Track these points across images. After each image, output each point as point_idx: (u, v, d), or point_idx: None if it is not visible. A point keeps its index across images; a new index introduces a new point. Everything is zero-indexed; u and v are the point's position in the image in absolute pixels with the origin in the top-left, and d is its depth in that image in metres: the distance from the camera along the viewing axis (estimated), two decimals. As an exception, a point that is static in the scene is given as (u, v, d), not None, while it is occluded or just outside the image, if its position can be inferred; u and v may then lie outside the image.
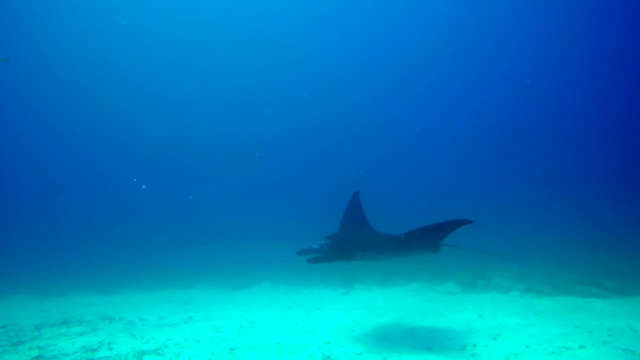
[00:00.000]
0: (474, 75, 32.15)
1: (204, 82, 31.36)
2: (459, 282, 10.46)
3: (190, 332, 6.23)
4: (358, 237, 5.36)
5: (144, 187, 30.81)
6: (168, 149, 31.40)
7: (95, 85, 28.73)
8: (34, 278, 13.34)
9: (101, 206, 27.64)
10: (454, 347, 5.00)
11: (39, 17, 24.84)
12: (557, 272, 10.27)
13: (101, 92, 29.07)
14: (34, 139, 30.69)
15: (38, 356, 4.98)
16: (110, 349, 5.32)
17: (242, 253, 15.08)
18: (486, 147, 32.86)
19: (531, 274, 10.63)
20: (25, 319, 7.96)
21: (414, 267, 11.65)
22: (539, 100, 31.33)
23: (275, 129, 32.51)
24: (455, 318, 6.79)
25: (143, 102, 31.18)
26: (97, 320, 7.57)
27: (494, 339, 5.33)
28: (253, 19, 28.88)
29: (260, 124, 32.63)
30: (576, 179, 25.72)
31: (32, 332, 6.61)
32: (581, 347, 4.76)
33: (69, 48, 26.79)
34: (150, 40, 28.44)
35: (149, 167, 31.76)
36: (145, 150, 31.21)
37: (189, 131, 31.87)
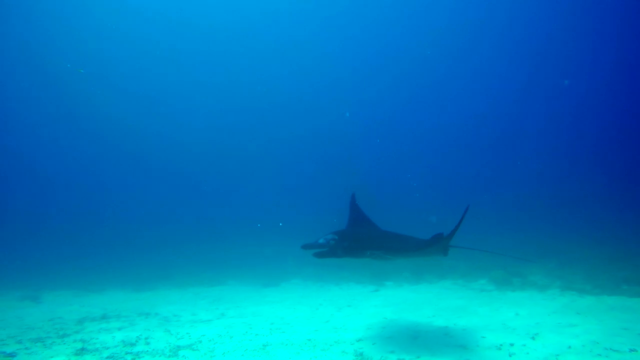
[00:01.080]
0: (473, 76, 31.95)
1: (208, 83, 31.83)
2: (492, 280, 10.16)
3: (223, 329, 6.33)
4: (367, 235, 5.22)
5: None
6: (184, 149, 32.10)
7: (97, 87, 29.45)
8: (75, 275, 13.94)
9: (130, 209, 28.59)
10: (490, 347, 4.86)
11: (39, 17, 25.41)
12: (598, 270, 9.80)
13: (106, 94, 29.82)
14: (52, 144, 31.70)
15: (82, 348, 5.19)
16: (148, 343, 5.48)
17: (270, 250, 15.22)
18: (500, 144, 32.17)
19: (569, 271, 10.21)
20: (68, 313, 8.33)
21: (445, 265, 11.42)
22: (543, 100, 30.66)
23: (287, 131, 32.68)
24: (490, 316, 6.60)
25: (155, 103, 31.89)
26: (134, 315, 7.82)
27: (533, 338, 5.13)
28: (251, 20, 29.19)
29: (276, 125, 32.88)
30: (599, 177, 24.65)
31: (75, 326, 6.91)
32: (632, 350, 4.50)
33: (68, 49, 27.43)
34: (149, 40, 28.96)
35: (168, 170, 32.52)
36: (163, 153, 32.00)
37: (201, 132, 32.48)
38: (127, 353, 4.97)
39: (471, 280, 10.63)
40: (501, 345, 4.89)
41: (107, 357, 4.78)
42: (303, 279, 12.70)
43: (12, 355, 4.99)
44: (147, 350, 5.08)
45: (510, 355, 4.50)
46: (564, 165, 28.64)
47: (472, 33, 29.19)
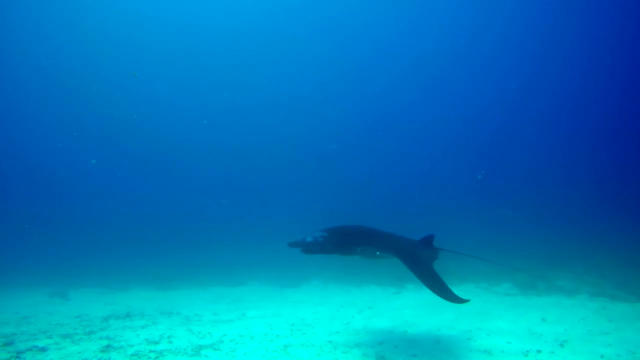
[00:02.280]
0: (471, 77, 31.62)
1: (209, 83, 32.09)
2: (516, 284, 9.91)
3: (244, 329, 6.37)
4: (357, 231, 5.02)
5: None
6: (199, 150, 32.57)
7: (99, 88, 29.87)
8: (100, 273, 14.28)
9: (152, 210, 29.16)
10: (517, 353, 4.72)
11: (38, 18, 25.92)
12: (630, 277, 9.42)
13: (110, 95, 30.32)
14: (71, 145, 32.25)
15: (108, 345, 5.31)
16: (170, 342, 5.55)
17: (290, 251, 15.25)
18: (523, 144, 31.39)
19: (598, 276, 9.86)
20: (94, 310, 8.54)
21: (467, 268, 11.21)
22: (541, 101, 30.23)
23: (291, 131, 32.75)
24: (515, 321, 6.43)
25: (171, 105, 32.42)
26: (156, 314, 7.94)
27: (562, 346, 4.96)
28: (249, 20, 29.32)
29: (281, 125, 32.99)
30: (620, 180, 23.86)
31: (101, 323, 7.07)
32: (667, 359, 4.31)
33: (68, 47, 27.93)
34: (147, 38, 29.26)
35: (189, 171, 33.02)
36: (182, 154, 32.47)
37: (211, 132, 32.88)
38: (150, 351, 5.05)
39: (494, 284, 10.39)
40: (528, 351, 4.75)
41: (132, 355, 4.87)
42: (323, 280, 12.68)
43: (43, 349, 5.15)
44: (170, 349, 5.15)
45: (538, 363, 4.37)
46: (582, 169, 27.93)
47: (472, 33, 29.08)
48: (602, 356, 4.51)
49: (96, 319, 7.54)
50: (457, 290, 10.11)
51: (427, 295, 9.56)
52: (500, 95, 31.84)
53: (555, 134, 30.73)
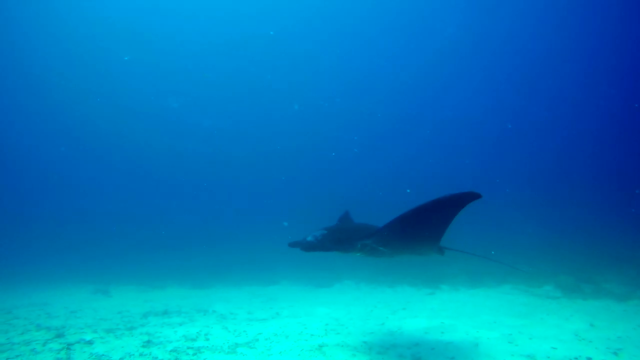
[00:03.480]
0: (470, 77, 31.03)
1: (209, 82, 32.51)
2: (559, 286, 9.46)
3: (278, 328, 6.41)
4: (357, 227, 4.95)
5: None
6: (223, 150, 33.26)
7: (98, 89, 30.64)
8: (139, 271, 14.83)
9: (185, 211, 30.00)
10: (563, 359, 4.49)
11: (38, 17, 26.70)
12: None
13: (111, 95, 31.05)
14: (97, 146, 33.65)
15: (148, 341, 5.47)
16: (207, 339, 5.66)
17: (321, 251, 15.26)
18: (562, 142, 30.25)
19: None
20: (134, 307, 8.85)
21: (505, 269, 10.82)
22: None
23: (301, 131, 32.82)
24: (559, 325, 6.12)
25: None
26: (193, 312, 8.13)
27: (615, 354, 4.67)
28: (246, 20, 29.59)
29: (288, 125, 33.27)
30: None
31: (141, 319, 7.32)
32: None
33: (63, 49, 28.68)
34: (146, 41, 29.92)
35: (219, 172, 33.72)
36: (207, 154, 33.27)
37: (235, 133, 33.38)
38: (188, 348, 5.16)
39: (534, 286, 9.97)
40: (576, 358, 4.50)
41: (171, 351, 4.99)
42: (356, 280, 12.60)
43: (90, 342, 5.38)
44: (207, 346, 5.25)
45: (587, 369, 4.13)
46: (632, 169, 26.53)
47: (473, 34, 28.81)
48: (659, 364, 4.22)
49: (136, 315, 7.81)
50: (496, 291, 9.85)
51: (463, 297, 9.31)
52: (504, 95, 31.47)
53: (589, 132, 29.49)
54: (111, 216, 28.29)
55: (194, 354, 4.85)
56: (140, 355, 4.80)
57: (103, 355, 4.77)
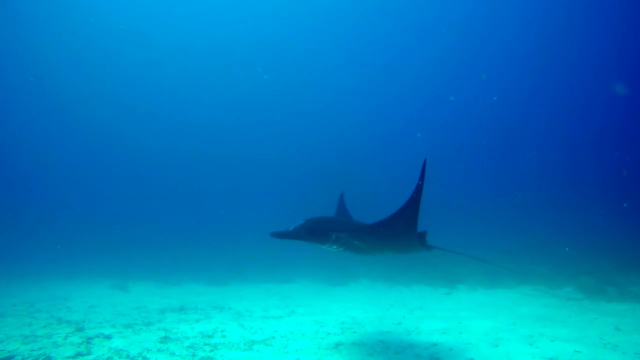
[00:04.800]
0: (470, 76, 31.00)
1: (209, 82, 32.77)
2: (581, 288, 9.21)
3: (294, 326, 6.39)
4: (334, 220, 4.86)
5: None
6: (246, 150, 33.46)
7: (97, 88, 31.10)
8: (155, 268, 15.02)
9: (202, 208, 30.37)
10: (588, 362, 4.35)
11: (38, 18, 27.08)
12: None
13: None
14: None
15: (165, 337, 5.52)
16: (224, 336, 5.67)
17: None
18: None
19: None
20: (151, 303, 8.96)
21: (524, 268, 10.62)
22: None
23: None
24: (582, 328, 5.94)
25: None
26: (209, 308, 8.18)
27: (642, 357, 4.51)
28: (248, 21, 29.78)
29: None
30: None
31: (158, 315, 7.39)
32: None
33: (67, 49, 29.20)
34: (144, 41, 30.27)
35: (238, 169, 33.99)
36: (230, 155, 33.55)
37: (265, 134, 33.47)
38: (205, 344, 5.17)
39: (555, 287, 9.74)
40: (601, 361, 4.36)
41: (188, 347, 5.01)
42: (371, 279, 12.52)
43: (109, 337, 5.45)
44: (224, 343, 5.26)
45: (613, 374, 3.99)
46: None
47: (473, 34, 28.71)
48: (691, 370, 4.05)
49: (153, 311, 7.89)
50: (514, 292, 9.65)
51: (480, 297, 9.16)
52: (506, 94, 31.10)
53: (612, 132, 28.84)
54: (126, 214, 28.83)
55: (211, 351, 4.86)
56: (158, 350, 4.83)
57: (122, 349, 4.82)
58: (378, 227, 4.05)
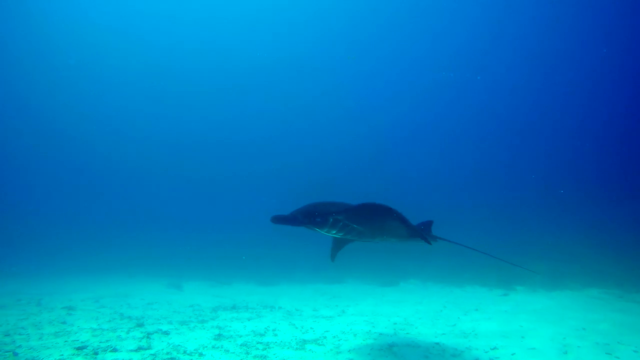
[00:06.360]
0: (471, 75, 30.18)
1: (207, 81, 32.97)
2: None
3: (345, 326, 6.29)
4: (333, 203, 4.58)
5: None
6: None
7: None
8: (207, 268, 15.50)
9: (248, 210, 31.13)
10: (676, 372, 3.89)
11: (39, 17, 27.99)
12: None
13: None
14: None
15: (219, 334, 5.63)
16: (275, 335, 5.69)
17: (386, 248, 14.97)
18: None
19: None
20: (204, 301, 9.23)
21: (592, 268, 9.84)
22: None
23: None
24: (667, 335, 5.36)
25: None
26: (259, 308, 8.28)
27: None
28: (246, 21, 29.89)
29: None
30: None
31: (211, 313, 7.59)
32: None
33: (67, 49, 29.97)
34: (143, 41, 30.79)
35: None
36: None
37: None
38: (258, 342, 5.21)
39: (631, 291, 8.91)
40: (693, 372, 3.89)
41: (241, 345, 5.07)
42: (422, 279, 12.17)
43: (167, 333, 5.65)
44: (276, 342, 5.27)
45: None
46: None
47: (473, 33, 28.20)
48: None
49: (206, 309, 8.11)
50: (581, 295, 8.95)
51: (542, 299, 8.57)
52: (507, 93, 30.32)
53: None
54: (179, 216, 30.12)
55: (264, 349, 4.88)
56: (213, 347, 4.93)
57: (179, 345, 4.96)
58: (367, 206, 3.91)
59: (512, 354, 4.71)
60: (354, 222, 4.29)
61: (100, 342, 5.02)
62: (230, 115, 34.84)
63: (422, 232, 4.72)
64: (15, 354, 4.45)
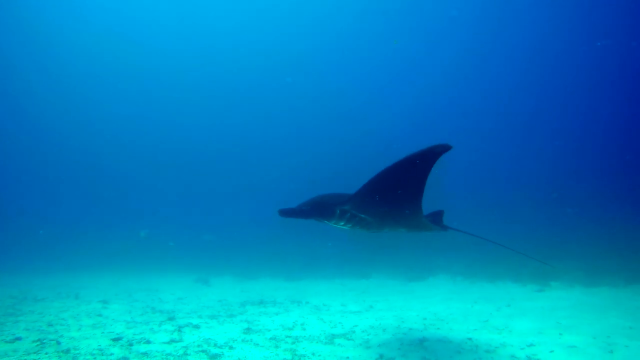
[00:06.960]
0: (472, 74, 30.12)
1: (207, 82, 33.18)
2: None
3: (374, 320, 6.22)
4: (341, 194, 4.42)
5: None
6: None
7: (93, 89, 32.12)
8: (234, 263, 15.67)
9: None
10: None
11: (39, 17, 28.38)
12: None
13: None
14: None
15: (248, 328, 5.66)
16: (304, 329, 5.68)
17: (413, 243, 14.74)
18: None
19: None
20: (232, 296, 9.34)
21: (634, 265, 9.35)
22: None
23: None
24: None
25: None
26: (287, 303, 8.30)
27: None
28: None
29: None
30: None
31: (239, 308, 7.66)
32: None
33: (67, 50, 30.39)
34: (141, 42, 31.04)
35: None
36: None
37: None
38: (287, 336, 5.21)
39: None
40: None
41: (270, 339, 5.08)
42: (451, 274, 11.91)
43: (197, 326, 5.74)
44: (305, 336, 5.25)
45: None
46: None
47: (473, 32, 28.15)
48: None
49: (235, 304, 8.20)
50: (625, 292, 8.55)
51: (580, 296, 8.22)
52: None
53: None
54: (203, 213, 30.68)
55: (293, 343, 4.87)
56: (243, 341, 4.95)
57: (210, 338, 5.02)
58: (383, 194, 3.79)
59: (551, 352, 4.51)
60: (362, 211, 4.18)
61: (135, 334, 5.15)
62: (248, 114, 35.27)
63: (434, 221, 4.59)
64: (59, 343, 4.63)
